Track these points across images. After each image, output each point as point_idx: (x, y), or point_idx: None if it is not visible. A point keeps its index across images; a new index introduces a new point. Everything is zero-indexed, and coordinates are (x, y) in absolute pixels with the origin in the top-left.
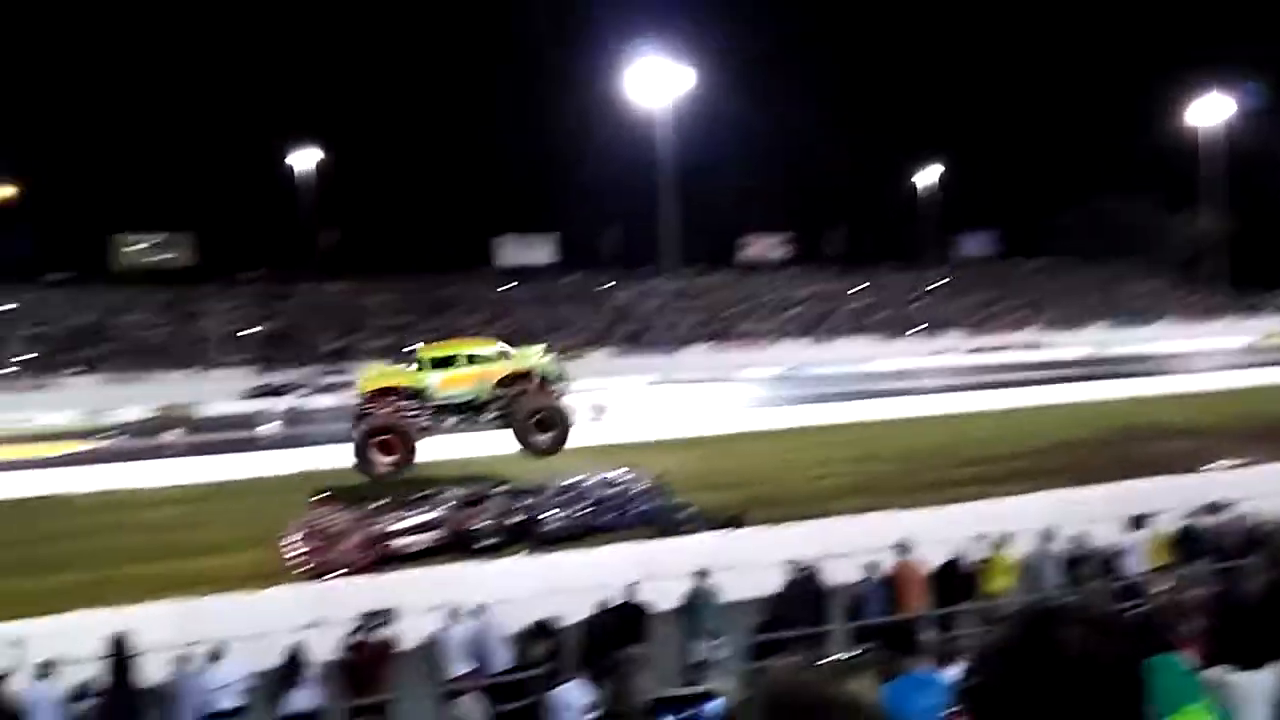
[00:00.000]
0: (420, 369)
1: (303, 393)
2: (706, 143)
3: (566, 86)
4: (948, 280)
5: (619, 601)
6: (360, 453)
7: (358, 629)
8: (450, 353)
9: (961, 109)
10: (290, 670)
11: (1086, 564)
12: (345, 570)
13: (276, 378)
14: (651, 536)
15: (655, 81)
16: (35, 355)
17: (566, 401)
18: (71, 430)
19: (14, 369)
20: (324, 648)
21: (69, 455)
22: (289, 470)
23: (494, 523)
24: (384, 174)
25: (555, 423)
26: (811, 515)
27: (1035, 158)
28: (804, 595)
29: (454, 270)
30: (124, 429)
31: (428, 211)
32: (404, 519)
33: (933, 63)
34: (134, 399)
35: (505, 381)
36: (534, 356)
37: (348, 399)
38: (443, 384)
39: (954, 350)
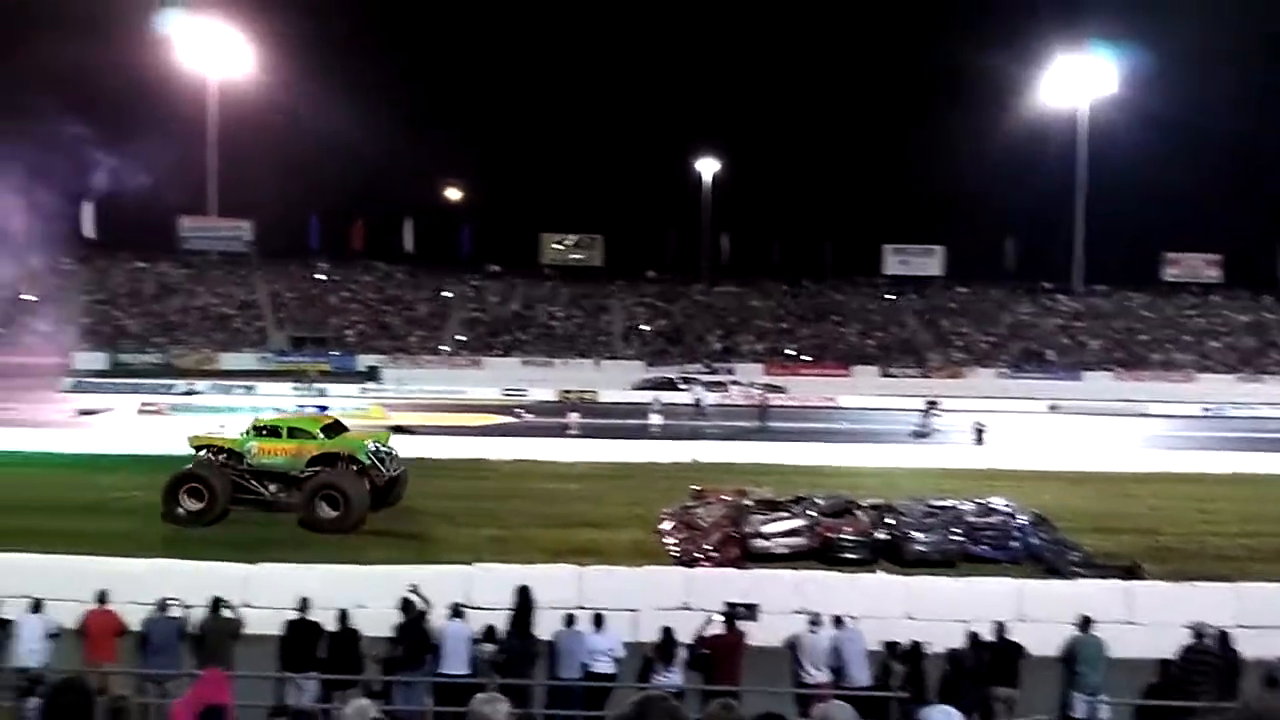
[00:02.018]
0: (247, 435)
1: (689, 387)
2: (1127, 147)
3: (967, 88)
4: None
5: (991, 637)
6: (169, 494)
7: (721, 618)
8: (276, 424)
9: None
10: (662, 647)
11: None
12: (710, 561)
13: (666, 372)
14: (1032, 574)
15: (1070, 80)
16: (469, 336)
17: (396, 481)
18: (492, 404)
19: (451, 347)
20: (688, 630)
21: (489, 426)
22: (673, 459)
23: (860, 536)
24: (777, 182)
25: (344, 501)
26: (1225, 576)
27: None
28: (1208, 663)
29: (837, 278)
30: (534, 407)
31: (817, 219)
32: (771, 521)
33: None
34: (545, 381)
35: (318, 460)
36: (352, 441)
37: (729, 397)
38: (260, 450)
39: None
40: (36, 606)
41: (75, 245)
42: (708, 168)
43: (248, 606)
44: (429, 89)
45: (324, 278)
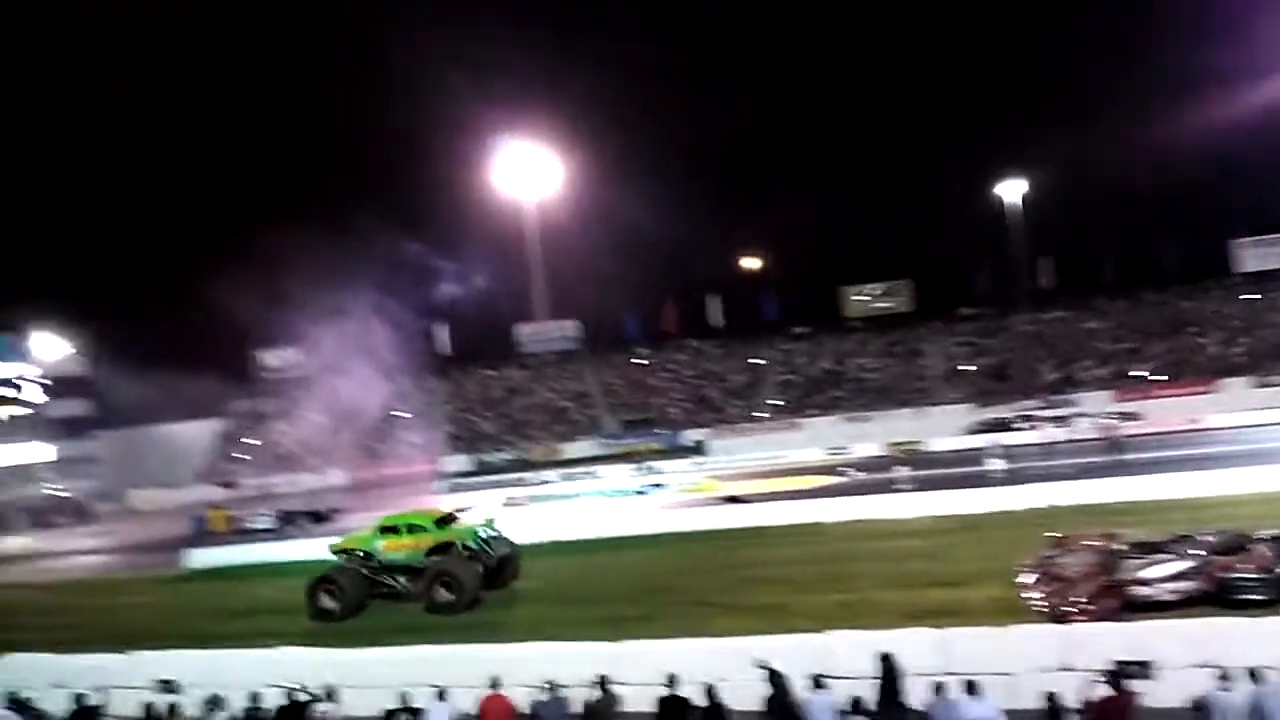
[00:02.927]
0: (374, 535)
1: (1026, 426)
2: None
3: None
4: None
5: None
6: (310, 594)
7: (1108, 678)
8: (396, 522)
9: None
10: (1049, 714)
11: None
12: (1085, 615)
13: (997, 412)
14: None
15: None
16: (784, 400)
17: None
18: (817, 466)
19: (768, 413)
20: (1072, 694)
21: (817, 488)
22: (1020, 505)
23: (1263, 573)
24: (1095, 189)
25: (457, 585)
26: None
27: None
28: None
29: (1183, 284)
30: (860, 464)
31: (1146, 224)
32: (1151, 565)
33: None
34: (866, 436)
35: (435, 550)
36: (462, 530)
37: (1075, 431)
38: (386, 548)
39: None
40: (441, 695)
41: (434, 361)
42: (1013, 190)
43: (617, 684)
44: (718, 168)
45: (644, 362)
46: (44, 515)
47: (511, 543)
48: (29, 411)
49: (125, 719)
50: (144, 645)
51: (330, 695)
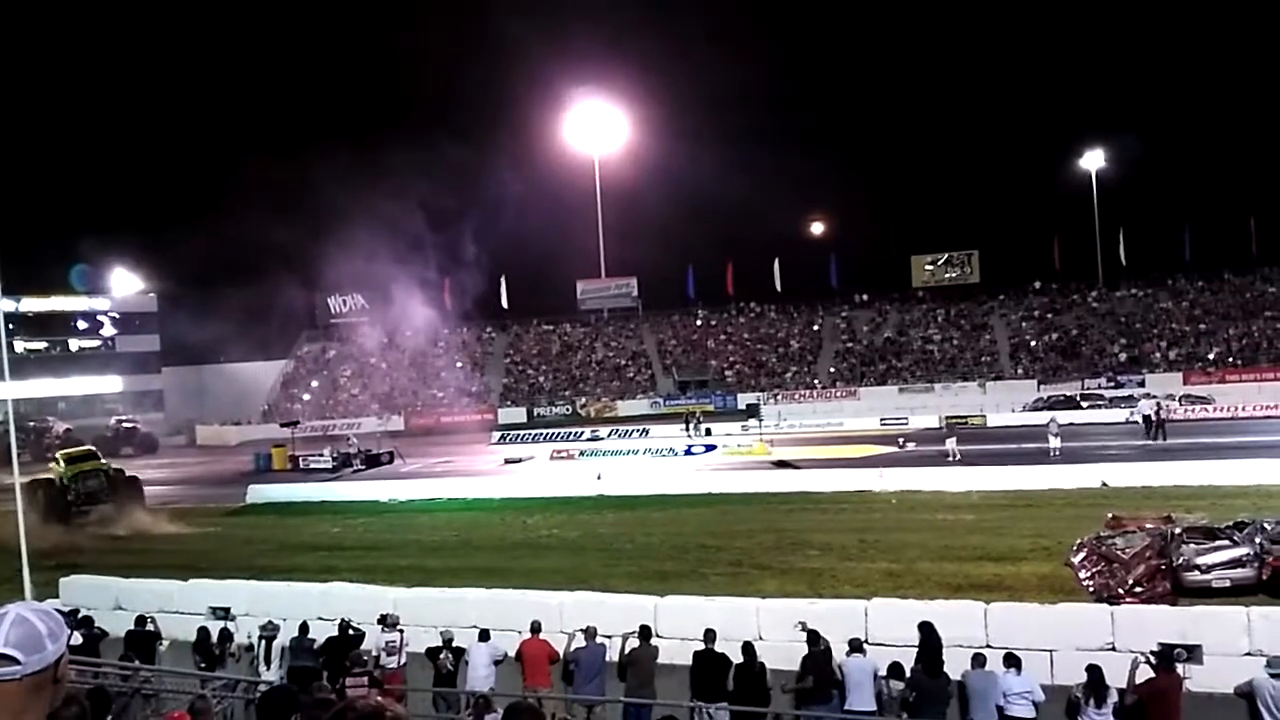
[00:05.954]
0: (56, 461)
1: (1091, 405)
2: None
3: None
4: None
5: None
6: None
7: (1153, 660)
8: (59, 454)
9: None
10: (1092, 688)
11: None
12: (1134, 598)
13: (1062, 389)
14: None
15: None
16: (843, 368)
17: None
18: (872, 435)
19: (826, 380)
20: (1115, 674)
21: (872, 457)
22: (1078, 484)
23: None
24: (1179, 164)
25: (57, 507)
26: None
27: None
28: None
29: (1268, 265)
30: (916, 436)
31: (1233, 199)
32: (1208, 551)
33: None
34: (926, 408)
35: (56, 479)
36: (63, 468)
37: (1132, 413)
38: (53, 470)
39: None
40: (484, 636)
41: (494, 315)
42: (1092, 161)
43: (658, 636)
44: (784, 129)
45: (701, 323)
46: (112, 445)
47: (103, 484)
48: (100, 344)
49: (181, 642)
50: (202, 574)
51: (386, 622)
